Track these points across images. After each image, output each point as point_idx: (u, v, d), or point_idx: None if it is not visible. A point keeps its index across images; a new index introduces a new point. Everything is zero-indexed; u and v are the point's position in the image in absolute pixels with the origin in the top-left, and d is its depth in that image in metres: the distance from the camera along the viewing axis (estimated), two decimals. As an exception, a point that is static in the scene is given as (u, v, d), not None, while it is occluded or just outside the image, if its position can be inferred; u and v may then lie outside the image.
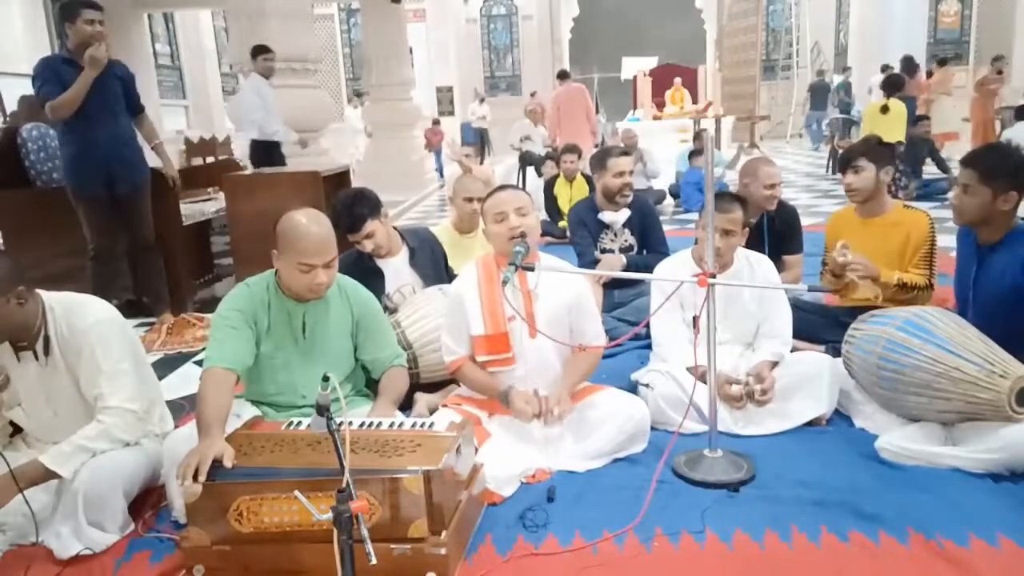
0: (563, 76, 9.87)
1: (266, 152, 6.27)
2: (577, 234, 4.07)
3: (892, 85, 7.69)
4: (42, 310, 2.16)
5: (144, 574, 1.98)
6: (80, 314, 2.19)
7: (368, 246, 3.06)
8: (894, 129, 7.34)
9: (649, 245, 3.99)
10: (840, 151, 10.93)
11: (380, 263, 3.15)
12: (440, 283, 3.15)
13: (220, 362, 2.20)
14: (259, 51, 6.08)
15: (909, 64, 10.97)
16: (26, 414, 2.26)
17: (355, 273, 3.10)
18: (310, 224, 2.24)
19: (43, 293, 2.20)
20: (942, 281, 3.07)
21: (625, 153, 4.13)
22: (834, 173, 10.84)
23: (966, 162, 2.53)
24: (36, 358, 2.18)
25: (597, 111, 15.03)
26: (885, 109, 7.46)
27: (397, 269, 3.16)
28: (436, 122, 13.88)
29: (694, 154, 8.05)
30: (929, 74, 12.67)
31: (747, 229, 2.93)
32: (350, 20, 18.14)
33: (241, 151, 6.14)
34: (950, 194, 8.54)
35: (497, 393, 2.43)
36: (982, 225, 2.54)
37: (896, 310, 2.60)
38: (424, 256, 3.23)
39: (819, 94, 15.71)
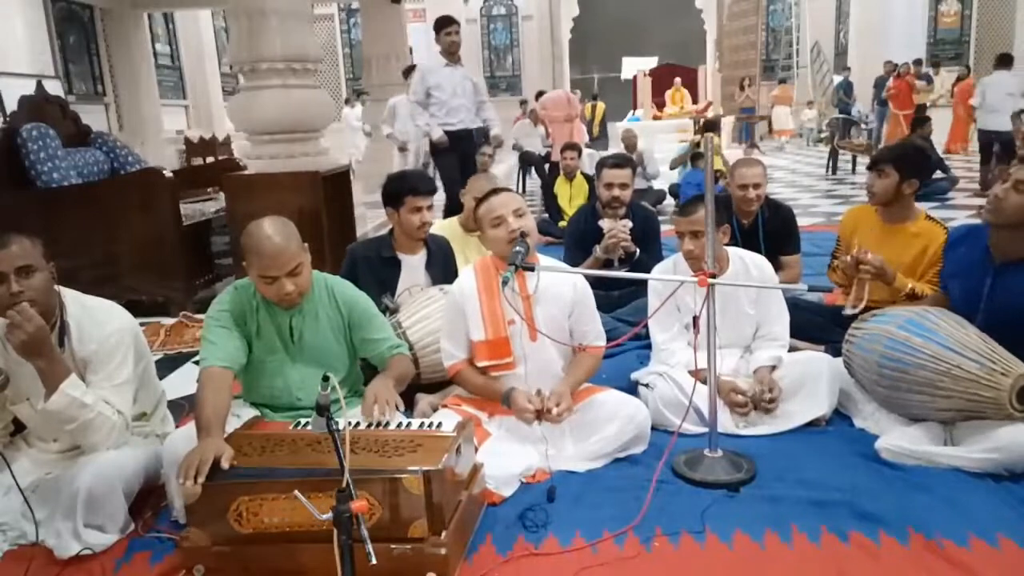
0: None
1: None
2: (570, 251, 3.94)
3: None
4: (59, 300, 2.17)
5: (144, 574, 1.98)
6: (102, 320, 2.20)
7: (417, 221, 3.07)
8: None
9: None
10: (839, 151, 11.02)
11: (400, 256, 3.15)
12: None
13: (216, 361, 2.19)
14: None
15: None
16: (35, 409, 2.25)
17: (373, 260, 3.11)
18: (272, 235, 2.17)
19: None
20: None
21: (619, 165, 3.90)
22: (834, 173, 10.85)
23: None
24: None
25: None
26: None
27: (414, 267, 3.17)
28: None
29: (696, 157, 8.12)
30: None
31: (727, 226, 2.90)
32: (350, 20, 18.08)
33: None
34: (950, 193, 8.59)
35: (498, 396, 2.42)
36: (1018, 230, 2.36)
37: (897, 309, 2.60)
38: (439, 262, 3.24)
39: None
